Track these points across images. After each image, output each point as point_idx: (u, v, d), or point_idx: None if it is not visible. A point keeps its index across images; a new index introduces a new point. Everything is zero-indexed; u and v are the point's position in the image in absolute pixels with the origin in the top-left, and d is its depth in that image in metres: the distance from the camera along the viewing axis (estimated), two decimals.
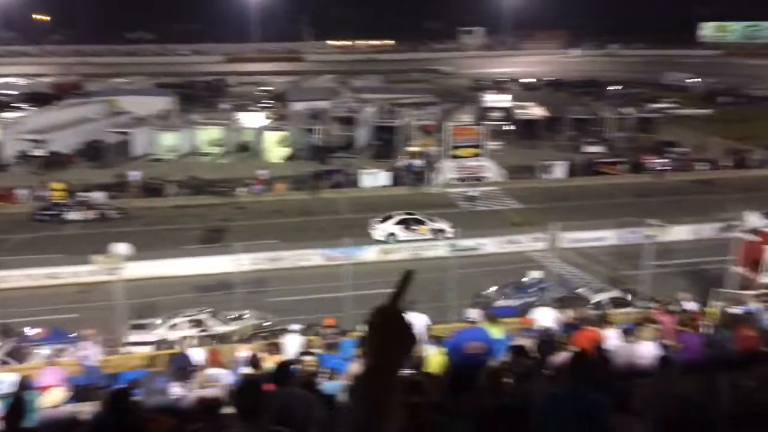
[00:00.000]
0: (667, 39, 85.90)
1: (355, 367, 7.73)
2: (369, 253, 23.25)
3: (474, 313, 9.93)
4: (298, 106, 46.09)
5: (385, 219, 26.12)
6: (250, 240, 23.60)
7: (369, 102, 44.90)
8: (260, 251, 22.53)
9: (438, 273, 18.97)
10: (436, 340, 9.89)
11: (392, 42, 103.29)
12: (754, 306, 11.30)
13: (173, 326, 16.69)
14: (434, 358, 7.43)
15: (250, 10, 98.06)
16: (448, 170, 33.48)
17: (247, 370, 9.24)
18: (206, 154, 38.92)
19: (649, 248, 17.89)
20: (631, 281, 20.07)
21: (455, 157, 33.59)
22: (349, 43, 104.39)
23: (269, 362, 9.09)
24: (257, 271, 21.39)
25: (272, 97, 54.81)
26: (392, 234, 25.36)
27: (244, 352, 11.27)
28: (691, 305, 13.04)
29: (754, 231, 17.89)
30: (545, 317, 11.85)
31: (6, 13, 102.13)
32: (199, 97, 57.42)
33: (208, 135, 39.93)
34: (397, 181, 32.95)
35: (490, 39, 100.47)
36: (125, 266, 15.96)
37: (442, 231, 25.65)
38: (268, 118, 44.12)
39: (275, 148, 38.65)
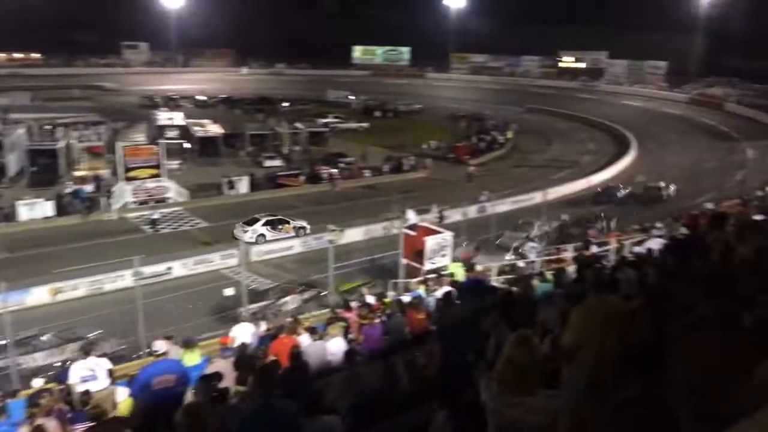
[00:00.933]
0: (325, 60, 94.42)
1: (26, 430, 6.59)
2: (36, 296, 20.17)
3: (160, 344, 9.22)
4: None
5: (251, 222, 27.07)
6: None
7: (18, 122, 38.92)
8: None
9: (125, 306, 17.50)
10: (128, 380, 9.05)
11: (40, 55, 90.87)
12: (420, 291, 13.08)
13: None
14: (123, 401, 6.77)
15: None
16: (124, 194, 31.05)
17: None
18: None
19: (330, 252, 19.29)
20: (319, 284, 21.43)
21: (131, 179, 31.32)
22: None
23: None
24: None
25: None
26: (262, 235, 26.40)
27: None
28: (371, 298, 14.43)
29: (414, 226, 20.73)
30: (243, 333, 11.80)
31: None
32: None
33: None
34: (64, 210, 29.21)
35: (156, 55, 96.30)
36: None
37: (303, 228, 27.65)
38: None
39: None
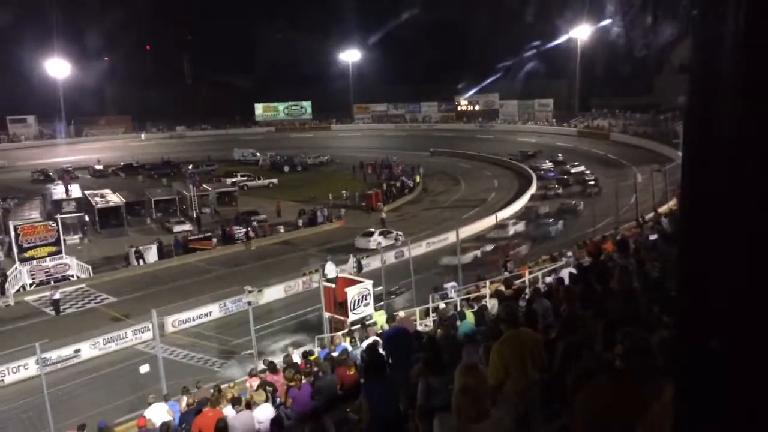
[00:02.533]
0: (227, 120, 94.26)
1: None
2: None
3: None
4: None
5: (369, 234, 34.58)
6: None
7: None
8: None
9: (30, 397, 16.25)
10: None
11: None
12: (346, 344, 12.94)
13: None
14: None
15: None
16: (21, 276, 29.02)
17: None
18: None
19: (251, 313, 18.82)
20: (241, 348, 20.77)
21: (28, 259, 29.40)
22: None
23: None
24: None
25: None
26: (380, 242, 32.03)
27: None
28: (297, 357, 14.14)
29: (333, 279, 20.42)
30: (158, 413, 11.17)
31: None
32: None
33: None
34: None
35: (46, 127, 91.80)
36: None
37: (400, 234, 34.59)
38: None
39: None
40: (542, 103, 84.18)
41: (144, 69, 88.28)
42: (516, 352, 4.54)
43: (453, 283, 21.79)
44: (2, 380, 19.69)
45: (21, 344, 20.90)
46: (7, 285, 28.24)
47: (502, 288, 15.73)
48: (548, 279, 16.11)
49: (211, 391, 11.23)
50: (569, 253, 20.17)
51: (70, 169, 60.58)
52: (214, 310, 25.09)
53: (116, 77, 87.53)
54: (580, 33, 72.85)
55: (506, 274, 19.26)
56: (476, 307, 13.77)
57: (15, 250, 29.53)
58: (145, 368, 17.02)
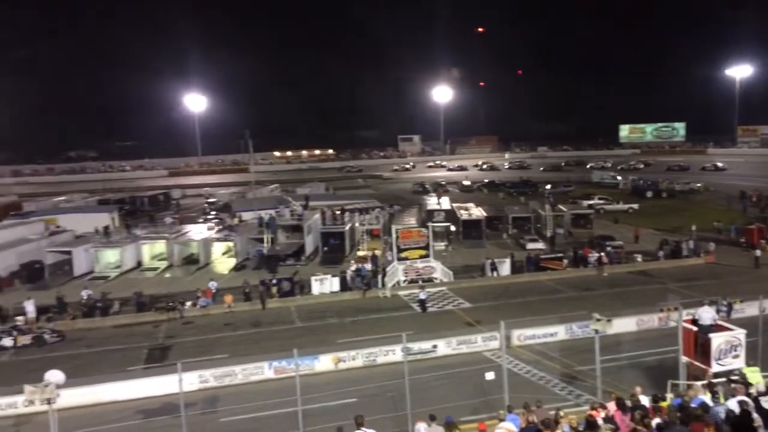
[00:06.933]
0: (589, 141, 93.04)
1: None
2: (323, 363, 22.68)
3: (422, 427, 9.42)
4: (245, 216, 46.37)
5: None
6: (197, 357, 22.77)
7: (315, 209, 45.53)
8: (207, 368, 21.62)
9: (393, 380, 18.64)
10: None
11: (332, 151, 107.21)
12: (706, 398, 11.34)
13: None
14: None
15: (189, 126, 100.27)
16: (397, 272, 33.72)
17: None
18: (151, 269, 37.99)
19: (597, 342, 18.15)
20: (584, 376, 20.22)
21: (403, 259, 34.01)
22: (290, 153, 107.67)
23: None
24: (206, 389, 20.48)
25: (218, 209, 54.85)
26: None
27: None
28: (644, 399, 13.10)
29: (707, 327, 17.78)
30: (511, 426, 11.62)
31: None
32: (143, 212, 56.99)
33: (152, 249, 39.22)
34: (346, 286, 32.76)
35: (428, 145, 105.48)
36: (59, 394, 14.66)
37: None
38: (211, 229, 43.89)
39: (222, 259, 38.22)
40: None
41: (514, 92, 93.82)
42: None
43: None
44: (375, 360, 23.15)
45: (391, 332, 24.32)
46: (386, 279, 33.18)
47: None
48: None
49: (552, 413, 11.25)
50: None
51: (442, 183, 68.15)
52: (560, 332, 24.98)
53: (489, 101, 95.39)
54: None
55: None
56: None
57: (395, 250, 34.44)
58: (490, 375, 17.85)
